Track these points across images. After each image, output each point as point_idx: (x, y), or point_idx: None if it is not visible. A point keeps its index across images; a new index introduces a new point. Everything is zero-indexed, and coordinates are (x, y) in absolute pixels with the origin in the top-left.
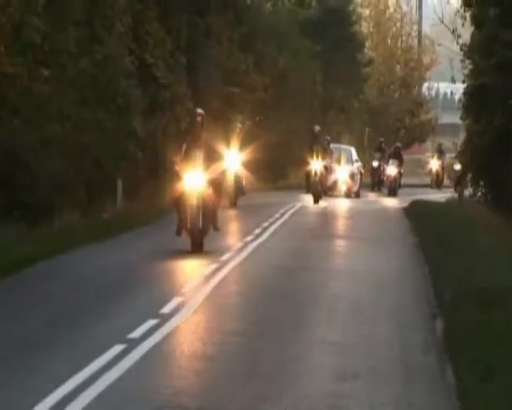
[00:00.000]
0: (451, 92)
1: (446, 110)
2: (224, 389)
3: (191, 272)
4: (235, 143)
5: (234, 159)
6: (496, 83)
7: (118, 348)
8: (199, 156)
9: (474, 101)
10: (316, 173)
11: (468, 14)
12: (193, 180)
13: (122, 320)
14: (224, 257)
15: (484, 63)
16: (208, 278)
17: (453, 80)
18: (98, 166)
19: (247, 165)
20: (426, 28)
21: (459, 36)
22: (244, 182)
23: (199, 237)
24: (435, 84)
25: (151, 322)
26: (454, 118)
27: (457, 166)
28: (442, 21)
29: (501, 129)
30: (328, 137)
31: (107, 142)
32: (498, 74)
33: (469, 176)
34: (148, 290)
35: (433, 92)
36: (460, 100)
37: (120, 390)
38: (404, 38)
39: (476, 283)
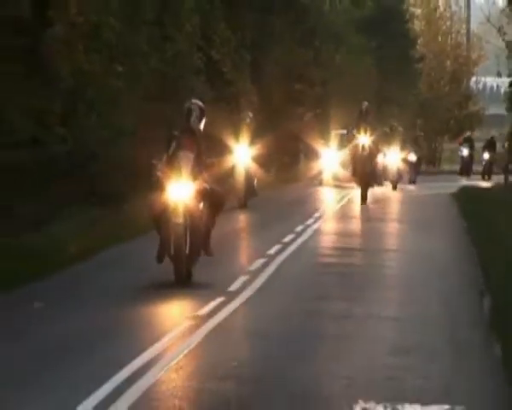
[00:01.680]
0: (497, 86)
1: (493, 102)
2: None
3: (169, 319)
4: (244, 137)
5: (244, 154)
6: None
7: None
8: (187, 160)
9: None
10: (364, 148)
11: None
12: (179, 191)
13: None
14: (220, 297)
15: None
16: (192, 330)
17: (499, 74)
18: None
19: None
20: (474, 26)
21: (505, 33)
22: (256, 181)
23: (185, 265)
24: (482, 79)
25: None
26: (500, 109)
27: (486, 156)
28: (488, 20)
29: None
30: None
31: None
32: None
33: None
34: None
35: (481, 86)
36: (505, 92)
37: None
38: (453, 36)
39: None
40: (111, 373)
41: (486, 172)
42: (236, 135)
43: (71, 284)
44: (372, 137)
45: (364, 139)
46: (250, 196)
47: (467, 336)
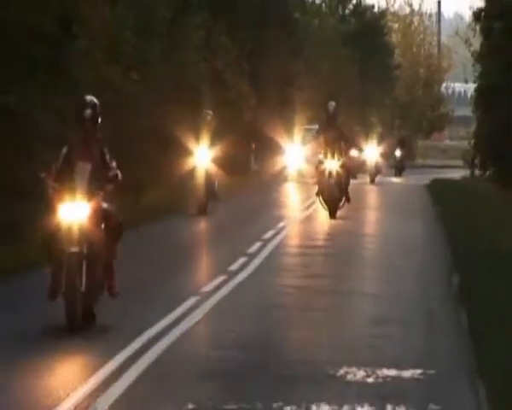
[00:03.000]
0: (464, 91)
1: (460, 105)
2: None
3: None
4: (205, 137)
5: (204, 155)
6: (500, 82)
7: None
8: (83, 172)
9: (483, 97)
10: (331, 175)
11: (477, 27)
12: (72, 212)
13: None
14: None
15: (491, 66)
16: None
17: (466, 81)
18: (179, 149)
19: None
20: (444, 38)
21: (471, 45)
22: (217, 183)
23: (81, 304)
24: (451, 84)
25: None
26: (466, 111)
27: (398, 153)
28: (457, 33)
29: (504, 119)
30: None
31: (187, 130)
32: (503, 75)
33: (478, 158)
34: None
35: (450, 91)
36: (471, 97)
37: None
38: (426, 47)
39: (483, 244)
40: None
41: (399, 169)
42: (196, 135)
43: None
44: (341, 160)
45: (332, 164)
46: (210, 199)
47: (437, 309)
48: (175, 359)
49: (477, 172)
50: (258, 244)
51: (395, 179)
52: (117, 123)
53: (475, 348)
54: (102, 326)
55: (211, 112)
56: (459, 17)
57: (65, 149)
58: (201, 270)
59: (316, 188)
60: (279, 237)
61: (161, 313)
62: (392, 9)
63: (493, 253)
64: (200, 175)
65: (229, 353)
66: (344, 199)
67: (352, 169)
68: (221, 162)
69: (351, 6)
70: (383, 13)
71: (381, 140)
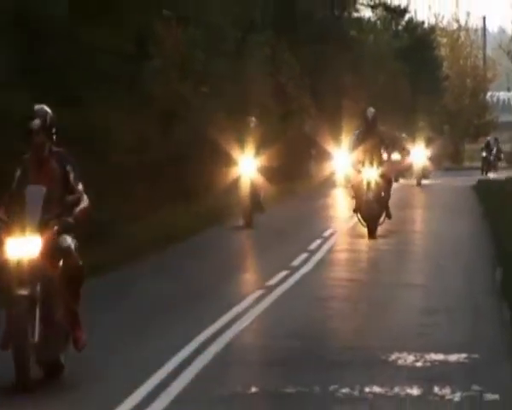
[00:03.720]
0: (508, 99)
1: (504, 112)
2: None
3: None
4: (249, 146)
5: (249, 165)
6: None
7: None
8: (36, 197)
9: None
10: (369, 187)
11: None
12: (22, 246)
13: None
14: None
15: None
16: None
17: (509, 89)
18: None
19: None
20: (489, 51)
21: None
22: (262, 194)
23: (30, 359)
24: (496, 93)
25: None
26: (510, 117)
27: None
28: (500, 46)
29: None
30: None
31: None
32: None
33: None
34: None
35: (495, 99)
36: None
37: None
38: (472, 59)
39: None
40: None
41: (485, 169)
42: (241, 143)
43: None
44: (380, 169)
45: (370, 174)
46: (256, 211)
47: (482, 301)
48: (241, 347)
49: None
50: (304, 256)
51: (442, 179)
52: (183, 132)
53: None
54: (183, 309)
55: (254, 119)
56: (502, 31)
57: (18, 173)
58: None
59: (353, 202)
60: (333, 232)
61: (230, 306)
62: (440, 25)
63: None
64: (245, 186)
65: (290, 342)
66: (384, 215)
67: (393, 173)
68: (271, 170)
69: (403, 23)
70: (432, 29)
71: (429, 144)
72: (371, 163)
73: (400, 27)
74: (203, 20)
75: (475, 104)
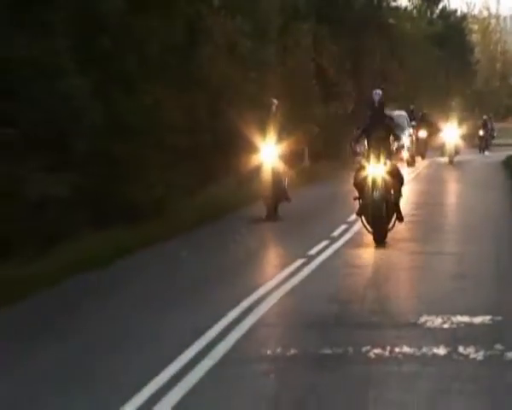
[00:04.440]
0: None
1: None
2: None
3: None
4: (271, 130)
5: (271, 151)
6: None
7: None
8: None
9: None
10: (375, 185)
11: None
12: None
13: None
14: None
15: None
16: None
17: None
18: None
19: None
20: None
21: None
22: (287, 182)
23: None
24: None
25: None
26: None
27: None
28: None
29: None
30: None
31: (297, 123)
32: None
33: None
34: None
35: None
36: None
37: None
38: (502, 45)
39: None
40: None
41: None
42: (262, 128)
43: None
44: (388, 165)
45: (376, 170)
46: (280, 201)
47: (507, 266)
48: (283, 310)
49: None
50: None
51: (476, 156)
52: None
53: None
54: (231, 277)
55: (276, 100)
56: None
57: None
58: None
59: (356, 204)
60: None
61: (276, 272)
62: (472, 13)
63: None
64: (267, 174)
65: (328, 306)
66: (394, 218)
67: (420, 149)
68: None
69: (437, 11)
70: (464, 16)
71: (461, 123)
72: (377, 158)
73: (435, 15)
74: (250, 9)
75: (505, 86)
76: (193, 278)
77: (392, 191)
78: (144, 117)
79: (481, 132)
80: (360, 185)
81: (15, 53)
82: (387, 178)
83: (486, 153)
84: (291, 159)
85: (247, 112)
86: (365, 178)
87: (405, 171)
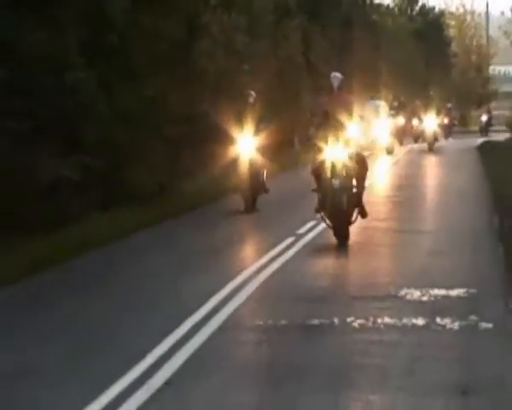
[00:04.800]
0: (509, 71)
1: (503, 83)
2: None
3: None
4: (248, 122)
5: (248, 143)
6: None
7: None
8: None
9: None
10: (335, 171)
11: None
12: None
13: None
14: None
15: None
16: None
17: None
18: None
19: None
20: (491, 31)
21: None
22: (265, 173)
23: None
24: (497, 67)
25: None
26: (509, 87)
27: (484, 117)
28: (500, 27)
29: None
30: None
31: (289, 111)
32: None
33: None
34: None
35: (496, 72)
36: None
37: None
38: (476, 39)
39: None
40: None
41: (484, 130)
42: (239, 120)
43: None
44: (351, 148)
45: (336, 153)
46: (259, 193)
47: (481, 242)
48: (273, 286)
49: None
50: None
51: (449, 142)
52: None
53: (509, 270)
54: (226, 254)
55: (253, 93)
56: (502, 14)
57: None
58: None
59: (315, 198)
60: None
61: (266, 250)
62: (449, 10)
63: None
64: (244, 166)
65: (315, 280)
66: (356, 213)
67: (399, 136)
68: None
69: (417, 8)
70: (442, 13)
71: (439, 112)
72: (337, 140)
73: (415, 12)
74: (244, 6)
75: (479, 77)
76: (196, 250)
77: (354, 181)
78: (146, 107)
79: (445, 120)
80: (317, 171)
81: (31, 50)
82: (349, 163)
83: (450, 140)
84: (275, 148)
85: (226, 104)
86: (322, 164)
87: (386, 158)
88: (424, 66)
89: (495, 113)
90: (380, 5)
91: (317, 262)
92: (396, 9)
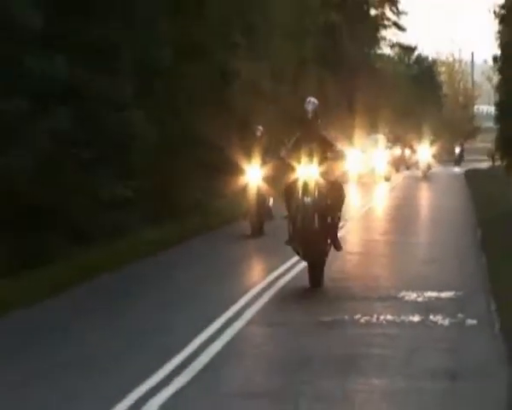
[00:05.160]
0: (490, 111)
1: (487, 120)
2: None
3: None
4: (256, 154)
5: (255, 172)
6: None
7: None
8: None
9: (500, 114)
10: (306, 190)
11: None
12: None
13: None
14: None
15: (505, 94)
16: None
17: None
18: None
19: None
20: (475, 76)
21: (491, 79)
22: (271, 201)
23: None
24: (481, 107)
25: None
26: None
27: (457, 149)
28: (483, 73)
29: None
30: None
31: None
32: None
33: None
34: None
35: (480, 111)
36: (494, 115)
37: None
38: (463, 82)
39: (499, 208)
40: None
41: (457, 161)
42: (247, 152)
43: None
44: (323, 167)
45: (308, 171)
46: (265, 219)
47: (466, 252)
48: (294, 288)
49: (497, 163)
50: None
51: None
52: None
53: (490, 276)
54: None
55: (261, 127)
56: (485, 62)
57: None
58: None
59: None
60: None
61: (286, 259)
62: (440, 59)
63: (505, 213)
64: (252, 194)
65: (333, 285)
66: (329, 242)
67: (396, 164)
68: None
69: (413, 57)
70: (435, 61)
71: (432, 144)
72: (310, 160)
73: (411, 61)
74: (269, 57)
75: (466, 115)
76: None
77: (328, 201)
78: (187, 137)
79: (457, 150)
80: (288, 191)
81: (94, 92)
82: (323, 183)
83: (456, 169)
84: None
85: (236, 137)
86: (294, 183)
87: (384, 184)
88: (418, 105)
89: (478, 145)
90: (382, 55)
91: (329, 268)
92: (396, 58)
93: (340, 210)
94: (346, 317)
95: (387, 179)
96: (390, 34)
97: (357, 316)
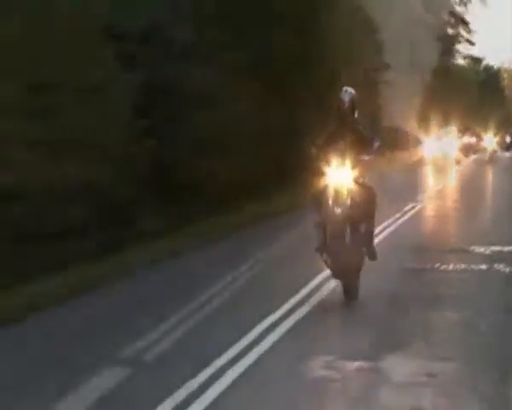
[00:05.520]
0: None
1: None
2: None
3: None
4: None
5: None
6: None
7: None
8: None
9: None
10: (337, 198)
11: None
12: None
13: None
14: None
15: None
16: None
17: None
18: None
19: None
20: None
21: None
22: None
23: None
24: None
25: None
26: None
27: (508, 139)
28: None
29: None
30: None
31: None
32: None
33: None
34: None
35: None
36: None
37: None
38: None
39: None
40: None
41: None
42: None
43: None
44: (357, 171)
45: (341, 176)
46: None
47: None
48: (388, 244)
49: None
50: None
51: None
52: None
53: None
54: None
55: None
56: None
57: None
58: None
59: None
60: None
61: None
62: (503, 66)
63: None
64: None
65: (417, 241)
66: (364, 251)
67: (467, 151)
68: None
69: (481, 66)
70: (499, 69)
71: (496, 133)
72: (343, 162)
73: (480, 69)
74: None
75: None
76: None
77: (361, 212)
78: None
79: (508, 139)
80: (318, 200)
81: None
82: (357, 190)
83: (507, 154)
84: None
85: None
86: (325, 189)
87: (456, 167)
88: (485, 104)
89: None
90: (457, 64)
91: (418, 228)
92: (467, 66)
93: (373, 218)
94: (430, 265)
95: (458, 163)
96: (462, 48)
97: (437, 264)
